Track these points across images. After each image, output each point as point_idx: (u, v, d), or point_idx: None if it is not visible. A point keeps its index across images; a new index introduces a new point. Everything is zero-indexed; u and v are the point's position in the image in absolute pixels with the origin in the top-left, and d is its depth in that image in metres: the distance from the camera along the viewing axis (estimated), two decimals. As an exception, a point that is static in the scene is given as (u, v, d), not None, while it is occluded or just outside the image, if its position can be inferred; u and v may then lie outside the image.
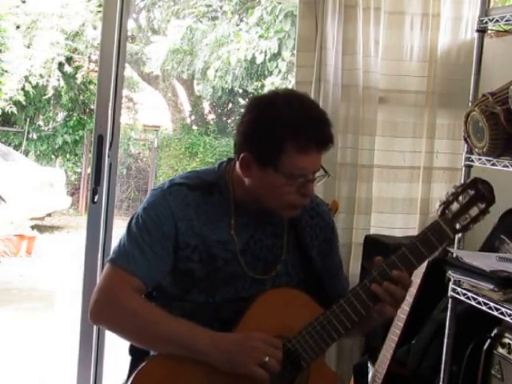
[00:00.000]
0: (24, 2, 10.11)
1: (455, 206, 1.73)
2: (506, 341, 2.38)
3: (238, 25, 11.00)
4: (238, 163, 1.78)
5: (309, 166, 1.72)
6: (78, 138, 10.84)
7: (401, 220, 3.40)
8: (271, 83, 9.96)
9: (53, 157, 11.14)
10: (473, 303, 2.49)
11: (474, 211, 1.74)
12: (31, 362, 4.79)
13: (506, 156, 2.42)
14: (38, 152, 11.01)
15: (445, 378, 2.68)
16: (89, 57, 11.06)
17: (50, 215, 10.43)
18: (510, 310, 2.28)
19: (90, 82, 10.81)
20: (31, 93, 10.30)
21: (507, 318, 2.30)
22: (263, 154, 1.72)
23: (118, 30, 3.07)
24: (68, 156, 11.21)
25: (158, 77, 12.30)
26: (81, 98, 10.91)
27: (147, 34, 12.24)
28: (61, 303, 6.27)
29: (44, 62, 10.17)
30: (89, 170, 9.10)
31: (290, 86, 8.14)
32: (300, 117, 1.70)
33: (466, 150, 2.68)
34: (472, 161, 2.63)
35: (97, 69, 3.79)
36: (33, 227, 9.14)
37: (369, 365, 2.76)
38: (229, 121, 12.33)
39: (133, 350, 1.85)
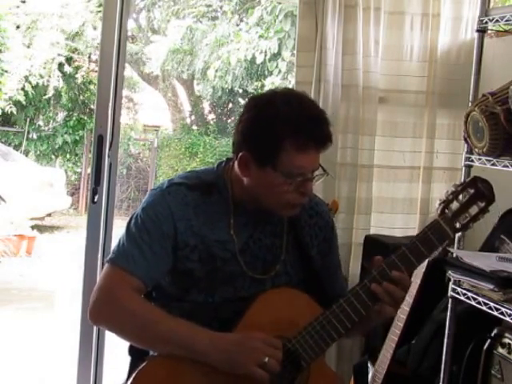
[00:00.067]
0: (24, 1, 10.11)
1: (455, 205, 1.73)
2: (506, 341, 2.38)
3: (237, 25, 11.00)
4: (236, 162, 1.77)
5: (307, 164, 1.72)
6: (77, 138, 10.84)
7: (401, 220, 3.40)
8: (271, 83, 9.96)
9: (53, 157, 11.14)
10: (473, 303, 2.48)
11: (473, 210, 1.74)
12: (31, 362, 4.79)
13: (506, 156, 2.42)
14: (38, 152, 11.01)
15: (445, 378, 2.68)
16: (89, 57, 11.07)
17: (50, 215, 10.43)
18: (510, 309, 2.28)
19: (90, 82, 10.81)
20: (31, 93, 10.30)
21: (507, 318, 2.30)
22: (262, 153, 1.71)
23: (118, 30, 3.07)
24: (68, 156, 11.21)
25: (158, 77, 12.31)
26: (81, 98, 10.91)
27: (147, 34, 12.24)
28: (61, 303, 6.27)
29: (44, 62, 10.18)
30: (89, 170, 9.09)
31: (290, 86, 8.14)
32: (299, 115, 1.69)
33: (465, 150, 2.68)
34: (472, 161, 2.63)
35: (97, 69, 3.79)
36: (33, 227, 9.14)
37: (369, 365, 2.76)
38: (229, 121, 12.32)
39: (132, 351, 1.85)
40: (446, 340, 2.68)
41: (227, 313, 1.77)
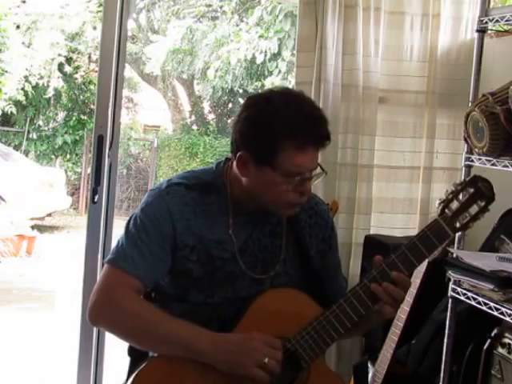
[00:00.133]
0: (24, 1, 10.12)
1: (455, 205, 1.72)
2: (506, 341, 2.38)
3: (237, 25, 11.01)
4: (235, 162, 1.77)
5: (306, 163, 1.71)
6: (77, 138, 10.84)
7: (401, 220, 3.40)
8: (271, 83, 9.96)
9: (53, 157, 11.14)
10: (473, 303, 2.48)
11: (473, 209, 1.73)
12: (31, 362, 4.79)
13: (506, 156, 2.42)
14: (38, 152, 11.01)
15: (445, 378, 2.68)
16: (89, 57, 11.07)
17: (50, 215, 10.43)
18: (510, 309, 2.28)
19: (90, 82, 10.82)
20: (31, 93, 10.31)
21: (507, 318, 2.30)
22: (260, 153, 1.71)
23: (118, 30, 3.07)
24: (68, 156, 11.22)
25: (158, 77, 12.31)
26: (81, 97, 10.92)
27: (147, 34, 12.25)
28: (61, 303, 6.27)
29: (44, 62, 10.18)
30: (89, 170, 9.10)
31: (290, 86, 8.14)
32: (297, 115, 1.69)
33: (465, 150, 2.68)
34: (472, 161, 2.63)
35: (97, 69, 3.79)
36: (33, 227, 9.14)
37: (369, 365, 2.76)
38: (229, 121, 12.32)
39: (132, 351, 1.85)
40: (445, 340, 2.68)
41: (227, 313, 1.76)
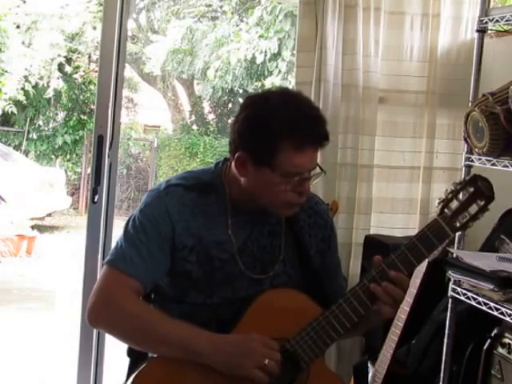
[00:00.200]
0: (24, 1, 10.12)
1: (455, 204, 1.72)
2: (506, 341, 2.38)
3: (237, 25, 11.01)
4: (233, 163, 1.76)
5: (305, 164, 1.71)
6: (77, 137, 10.84)
7: (401, 220, 3.40)
8: (271, 83, 9.96)
9: (53, 157, 11.14)
10: (473, 303, 2.48)
11: (473, 209, 1.72)
12: (31, 362, 4.79)
13: (506, 156, 2.42)
14: (38, 152, 11.02)
15: (445, 378, 2.68)
16: (89, 57, 11.08)
17: (50, 215, 10.43)
18: (510, 309, 2.28)
19: (90, 82, 10.82)
20: (31, 93, 10.31)
21: (507, 318, 2.30)
22: (259, 154, 1.70)
23: (118, 30, 3.07)
24: (68, 156, 11.22)
25: (158, 77, 12.31)
26: (81, 97, 10.92)
27: (147, 34, 12.25)
28: (61, 303, 6.27)
29: (44, 62, 10.18)
30: (89, 170, 9.10)
31: (290, 86, 8.14)
32: (295, 115, 1.68)
33: (465, 150, 2.68)
34: (472, 161, 2.63)
35: (97, 69, 3.79)
36: (33, 227, 9.14)
37: (369, 365, 2.76)
38: (229, 121, 12.32)
39: (131, 352, 1.84)
40: (445, 340, 2.68)
41: (226, 314, 1.76)
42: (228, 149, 1.80)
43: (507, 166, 2.41)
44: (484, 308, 2.40)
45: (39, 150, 10.97)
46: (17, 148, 10.90)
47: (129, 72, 10.97)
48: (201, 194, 1.79)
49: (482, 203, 1.73)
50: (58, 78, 10.50)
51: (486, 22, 2.64)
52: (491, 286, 2.35)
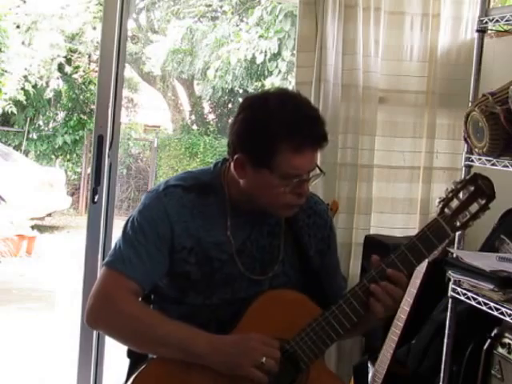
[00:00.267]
0: (24, 1, 10.12)
1: (455, 203, 1.72)
2: (506, 341, 2.38)
3: (237, 25, 11.01)
4: (232, 164, 1.76)
5: (304, 165, 1.70)
6: (77, 137, 10.85)
7: (401, 220, 3.40)
8: (271, 83, 9.97)
9: (53, 157, 11.15)
10: (473, 303, 2.48)
11: (473, 208, 1.72)
12: (31, 362, 4.79)
13: (506, 156, 2.42)
14: (38, 152, 11.02)
15: (445, 378, 2.68)
16: (89, 57, 11.08)
17: (50, 215, 10.43)
18: (510, 309, 2.28)
19: (90, 82, 10.82)
20: (31, 93, 10.31)
21: (507, 318, 2.30)
22: (257, 155, 1.69)
23: (118, 30, 3.07)
24: (68, 156, 11.23)
25: (158, 77, 12.31)
26: (81, 97, 10.92)
27: (147, 34, 12.25)
28: (61, 303, 6.27)
29: (44, 62, 10.18)
30: (89, 170, 9.10)
31: (290, 86, 8.14)
32: (294, 116, 1.67)
33: (465, 150, 2.67)
34: (472, 161, 2.63)
35: (97, 69, 3.79)
36: (33, 227, 9.14)
37: (369, 365, 2.76)
38: (229, 121, 12.32)
39: (131, 353, 1.84)
40: (446, 340, 2.68)
41: (225, 314, 1.76)
42: (227, 150, 1.79)
43: (507, 166, 2.40)
44: (484, 308, 2.40)
45: (39, 150, 10.98)
46: (17, 148, 10.91)
47: (129, 72, 10.97)
48: (200, 195, 1.79)
49: (483, 202, 1.72)
50: (58, 78, 10.51)
51: (486, 22, 2.64)
52: (491, 286, 2.35)
